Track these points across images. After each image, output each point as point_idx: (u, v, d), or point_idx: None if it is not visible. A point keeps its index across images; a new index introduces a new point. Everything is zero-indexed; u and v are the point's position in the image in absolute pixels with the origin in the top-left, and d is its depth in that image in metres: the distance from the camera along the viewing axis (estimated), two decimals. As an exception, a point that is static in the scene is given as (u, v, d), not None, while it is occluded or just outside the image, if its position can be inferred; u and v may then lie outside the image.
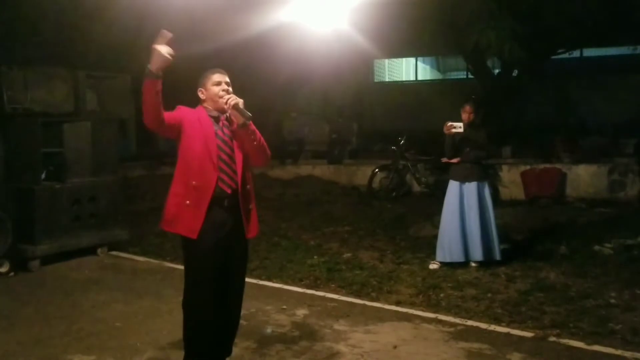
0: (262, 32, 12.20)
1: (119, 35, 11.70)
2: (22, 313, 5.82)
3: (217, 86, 3.97)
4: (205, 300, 3.95)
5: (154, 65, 3.63)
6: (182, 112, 3.93)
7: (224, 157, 3.93)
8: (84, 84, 7.97)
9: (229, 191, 3.92)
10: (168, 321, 5.49)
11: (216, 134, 3.94)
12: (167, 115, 3.79)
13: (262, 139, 4.03)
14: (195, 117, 3.93)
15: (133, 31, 11.92)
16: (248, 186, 4.04)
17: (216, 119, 3.99)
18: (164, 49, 3.61)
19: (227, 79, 4.02)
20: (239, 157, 3.98)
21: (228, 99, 3.87)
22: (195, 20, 11.79)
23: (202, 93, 4.02)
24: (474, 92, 7.94)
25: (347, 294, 6.39)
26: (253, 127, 3.95)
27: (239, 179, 3.96)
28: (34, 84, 7.57)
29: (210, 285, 3.94)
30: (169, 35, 3.65)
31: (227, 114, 3.99)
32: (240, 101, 3.87)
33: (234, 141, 3.99)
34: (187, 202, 3.88)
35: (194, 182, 3.87)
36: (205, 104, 4.02)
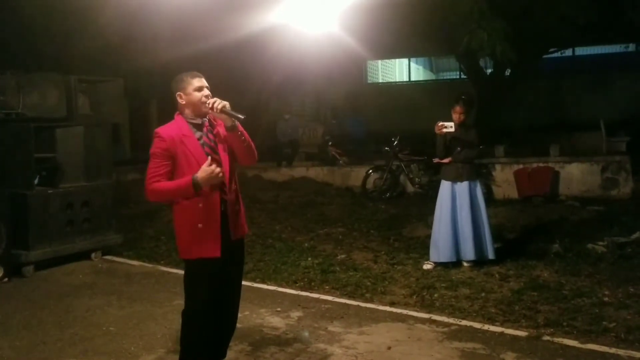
0: (254, 35, 12.21)
1: (110, 38, 11.70)
2: (16, 318, 5.81)
3: (199, 92, 3.86)
4: (207, 310, 3.93)
5: (204, 183, 3.73)
6: (167, 148, 3.81)
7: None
8: (77, 88, 7.94)
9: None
10: (162, 325, 5.49)
11: (202, 145, 3.86)
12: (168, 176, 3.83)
13: (249, 139, 3.98)
14: (178, 139, 3.81)
15: (125, 34, 11.93)
16: (234, 186, 3.99)
17: (198, 126, 3.90)
18: (216, 173, 3.74)
19: (206, 83, 3.92)
20: (225, 160, 3.91)
21: (214, 103, 3.77)
22: (187, 22, 11.80)
23: (182, 98, 3.89)
24: (466, 92, 7.96)
25: (341, 296, 6.40)
26: (241, 127, 3.88)
27: (226, 182, 3.91)
28: (26, 89, 7.55)
29: (211, 295, 3.93)
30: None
31: (208, 117, 3.92)
32: (226, 103, 3.77)
33: (219, 145, 3.93)
34: (200, 225, 3.82)
35: (200, 205, 3.82)
36: (185, 111, 3.91)
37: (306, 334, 5.28)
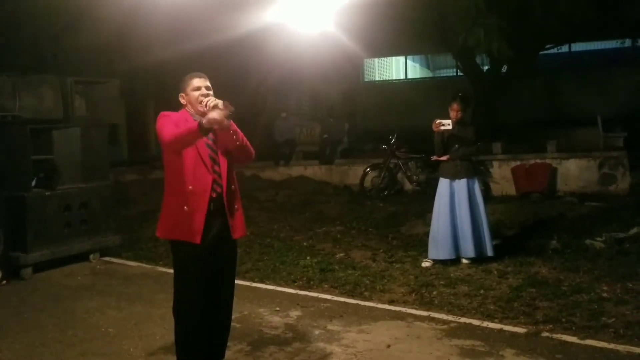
0: (251, 34, 12.21)
1: (106, 38, 11.68)
2: (15, 321, 5.80)
3: (197, 91, 3.94)
4: (196, 305, 3.95)
5: (208, 124, 3.65)
6: (174, 122, 3.87)
7: (212, 161, 3.93)
8: (73, 90, 7.92)
9: (214, 195, 3.93)
10: (161, 326, 5.48)
11: (203, 140, 3.91)
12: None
13: (244, 138, 4.02)
14: (182, 124, 3.88)
15: (120, 34, 11.92)
16: (233, 187, 4.04)
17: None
18: (222, 115, 3.66)
19: (208, 83, 4.00)
20: (222, 159, 3.98)
21: (207, 101, 3.83)
22: (183, 21, 11.79)
23: (183, 98, 4.02)
24: (463, 89, 7.99)
25: (340, 294, 6.40)
26: (234, 127, 3.92)
27: (224, 181, 3.97)
28: (22, 91, 7.53)
29: (200, 289, 3.95)
30: (231, 109, 3.73)
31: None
32: (219, 102, 3.80)
33: (217, 144, 3.99)
34: (185, 208, 3.87)
35: (190, 187, 3.87)
36: (186, 109, 4.01)
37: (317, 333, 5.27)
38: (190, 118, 3.94)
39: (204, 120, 3.64)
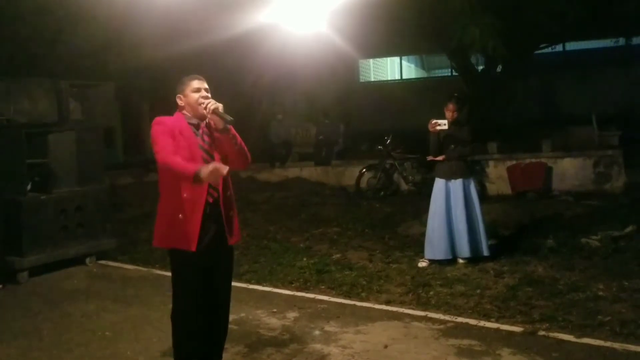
0: (246, 35, 12.20)
1: (100, 40, 11.67)
2: (11, 325, 5.80)
3: (196, 93, 3.91)
4: (194, 310, 3.93)
5: (206, 179, 3.63)
6: (169, 131, 3.83)
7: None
8: (68, 93, 7.92)
9: (210, 200, 3.91)
10: (158, 329, 5.47)
11: (198, 142, 3.90)
12: (175, 152, 3.79)
13: (242, 142, 4.01)
14: (177, 129, 3.86)
15: (114, 36, 11.90)
16: (228, 192, 4.01)
17: (196, 127, 3.94)
18: (220, 172, 3.66)
19: (206, 85, 3.97)
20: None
21: (207, 104, 3.81)
22: (178, 23, 11.78)
23: (181, 99, 3.97)
24: (458, 89, 7.99)
25: (337, 295, 6.40)
26: (233, 131, 3.91)
27: (220, 186, 3.92)
28: (17, 95, 7.53)
29: (198, 295, 3.93)
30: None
31: (207, 120, 3.95)
32: (220, 105, 3.80)
33: (213, 148, 3.96)
34: (180, 215, 3.83)
35: (185, 195, 3.82)
36: (184, 111, 3.97)
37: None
38: (185, 124, 3.90)
39: (202, 174, 3.60)
